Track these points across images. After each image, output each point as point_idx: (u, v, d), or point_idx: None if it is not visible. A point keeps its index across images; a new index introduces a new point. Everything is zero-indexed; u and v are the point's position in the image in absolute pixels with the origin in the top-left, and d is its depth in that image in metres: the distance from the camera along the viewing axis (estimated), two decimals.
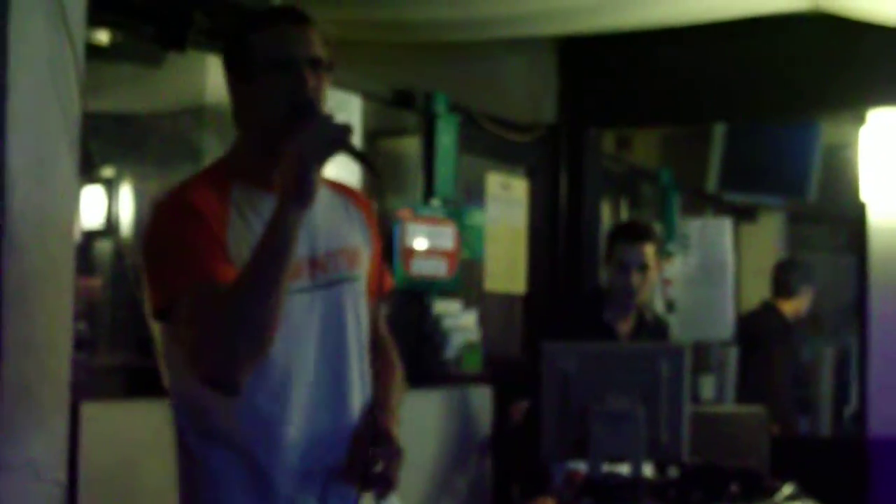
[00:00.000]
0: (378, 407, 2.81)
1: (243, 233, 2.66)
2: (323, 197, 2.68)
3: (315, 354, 2.73)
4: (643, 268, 5.00)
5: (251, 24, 2.77)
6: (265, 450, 2.68)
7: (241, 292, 2.50)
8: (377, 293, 2.95)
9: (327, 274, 2.76)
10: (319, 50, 2.73)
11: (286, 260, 2.52)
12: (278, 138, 2.62)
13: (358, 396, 2.79)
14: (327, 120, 2.61)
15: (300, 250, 2.62)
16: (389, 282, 3.05)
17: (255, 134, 2.75)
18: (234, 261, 2.61)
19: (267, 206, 2.63)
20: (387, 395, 2.86)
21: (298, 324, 2.68)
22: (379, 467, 2.69)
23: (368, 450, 2.70)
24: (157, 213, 2.72)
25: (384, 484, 2.71)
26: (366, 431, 2.74)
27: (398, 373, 2.98)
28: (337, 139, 2.57)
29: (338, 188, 2.91)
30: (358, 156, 2.65)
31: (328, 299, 2.76)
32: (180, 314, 2.58)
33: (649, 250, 5.02)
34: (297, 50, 2.69)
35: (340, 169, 2.90)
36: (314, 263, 2.74)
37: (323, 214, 2.77)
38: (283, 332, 2.58)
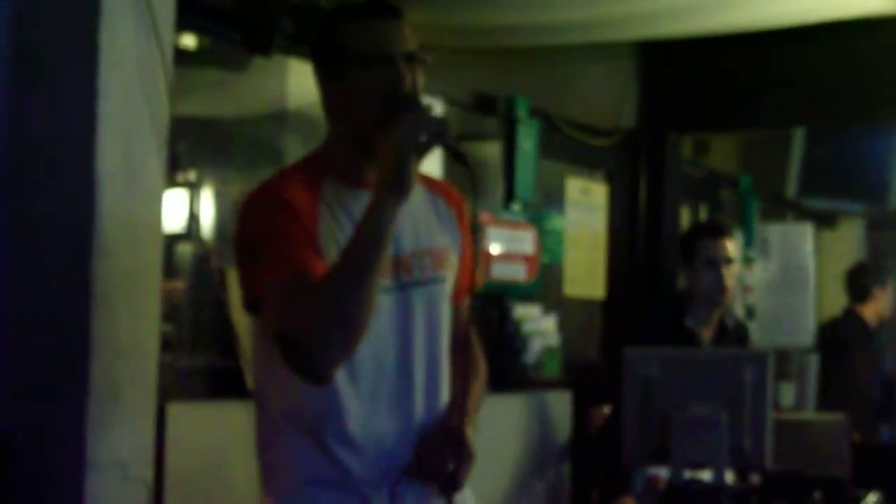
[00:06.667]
0: (453, 408, 2.81)
1: (333, 230, 2.66)
2: (414, 194, 2.63)
3: (389, 354, 2.73)
4: (730, 262, 5.00)
5: (341, 19, 2.75)
6: (339, 442, 2.69)
7: (336, 285, 2.51)
8: (466, 292, 2.94)
9: (411, 275, 2.76)
10: (413, 43, 2.71)
11: (381, 253, 2.53)
12: (373, 133, 2.61)
13: (422, 400, 2.78)
14: (426, 112, 2.60)
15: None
16: (477, 281, 3.01)
17: (349, 130, 2.74)
18: (323, 257, 2.61)
19: (357, 203, 2.65)
20: (464, 396, 2.81)
21: (378, 323, 2.66)
22: (449, 467, 2.71)
23: (439, 450, 2.71)
24: (249, 206, 2.72)
25: (451, 484, 2.73)
26: (438, 432, 2.75)
27: (480, 374, 2.96)
28: (436, 132, 2.57)
29: (429, 184, 2.88)
30: (454, 152, 2.65)
31: (407, 301, 2.75)
32: (272, 305, 2.60)
33: (732, 245, 5.04)
34: (392, 45, 2.68)
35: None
36: (398, 264, 2.73)
37: (411, 213, 2.72)
38: None
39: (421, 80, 2.72)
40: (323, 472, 2.71)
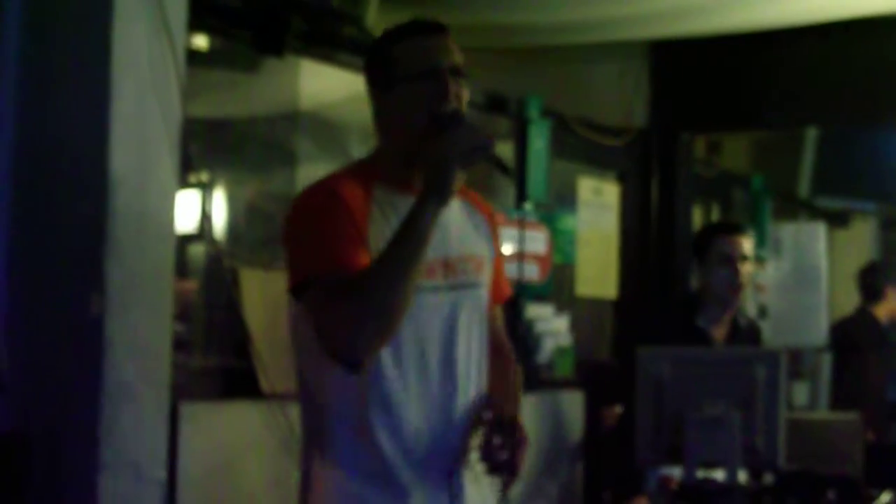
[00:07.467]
0: (504, 398, 2.95)
1: (384, 228, 2.76)
2: (454, 203, 2.82)
3: (435, 352, 2.83)
4: (745, 259, 4.97)
5: (393, 36, 2.88)
6: (387, 436, 2.78)
7: (375, 277, 2.63)
8: (497, 299, 3.07)
9: (457, 277, 2.88)
10: (459, 58, 2.84)
11: (420, 252, 2.65)
12: (420, 144, 2.73)
13: (463, 397, 2.87)
14: (473, 128, 2.71)
15: (435, 251, 2.76)
16: (508, 290, 3.15)
17: (397, 140, 2.86)
18: (372, 255, 2.71)
19: (407, 207, 2.73)
20: (511, 388, 3.01)
21: (427, 320, 2.81)
22: (505, 455, 2.80)
23: (494, 437, 2.80)
24: (304, 198, 2.83)
25: (510, 471, 2.82)
26: (492, 420, 2.84)
27: (519, 371, 3.10)
28: (481, 147, 2.68)
29: (464, 194, 2.99)
30: (498, 165, 2.77)
31: (455, 301, 2.87)
32: (315, 295, 2.71)
33: (748, 243, 5.01)
34: (439, 59, 2.81)
35: None
36: (447, 265, 2.86)
37: (455, 220, 2.90)
38: (413, 327, 2.74)
39: (466, 94, 2.84)
40: (369, 464, 2.78)
